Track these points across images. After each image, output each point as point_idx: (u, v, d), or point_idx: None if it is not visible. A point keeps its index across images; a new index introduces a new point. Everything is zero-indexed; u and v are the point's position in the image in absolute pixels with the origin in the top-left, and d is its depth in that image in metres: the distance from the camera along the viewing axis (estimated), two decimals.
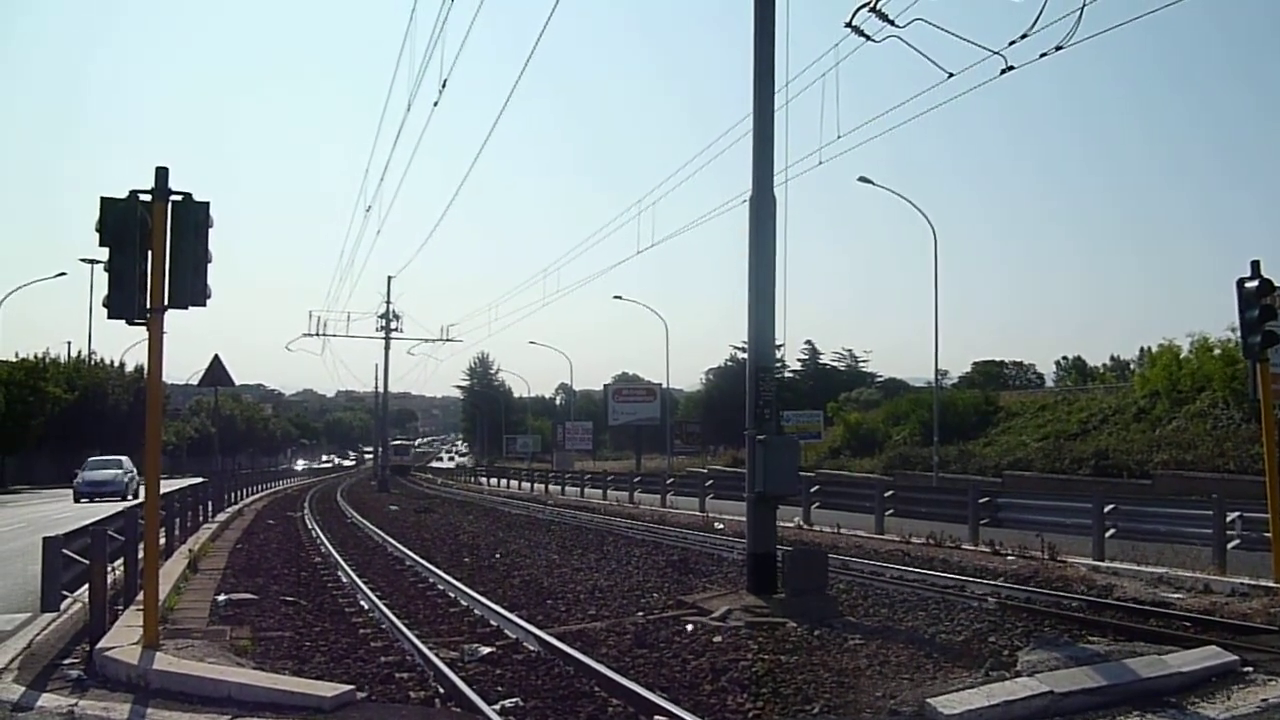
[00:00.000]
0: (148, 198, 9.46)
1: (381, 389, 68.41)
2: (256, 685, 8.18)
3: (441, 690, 8.69)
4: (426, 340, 64.25)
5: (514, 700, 8.32)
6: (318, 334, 57.79)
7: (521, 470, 65.88)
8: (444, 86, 17.83)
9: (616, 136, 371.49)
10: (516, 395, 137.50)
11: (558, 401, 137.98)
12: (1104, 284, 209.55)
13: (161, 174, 9.50)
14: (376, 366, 62.52)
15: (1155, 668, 8.55)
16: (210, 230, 9.68)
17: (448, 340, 62.82)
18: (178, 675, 8.48)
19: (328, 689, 8.06)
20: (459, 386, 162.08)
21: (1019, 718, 7.48)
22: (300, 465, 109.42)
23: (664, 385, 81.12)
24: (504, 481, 64.22)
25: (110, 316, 9.43)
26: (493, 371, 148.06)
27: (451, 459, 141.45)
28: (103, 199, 9.37)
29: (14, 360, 61.62)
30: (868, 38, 14.16)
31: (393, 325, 60.20)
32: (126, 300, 9.36)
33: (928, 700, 7.59)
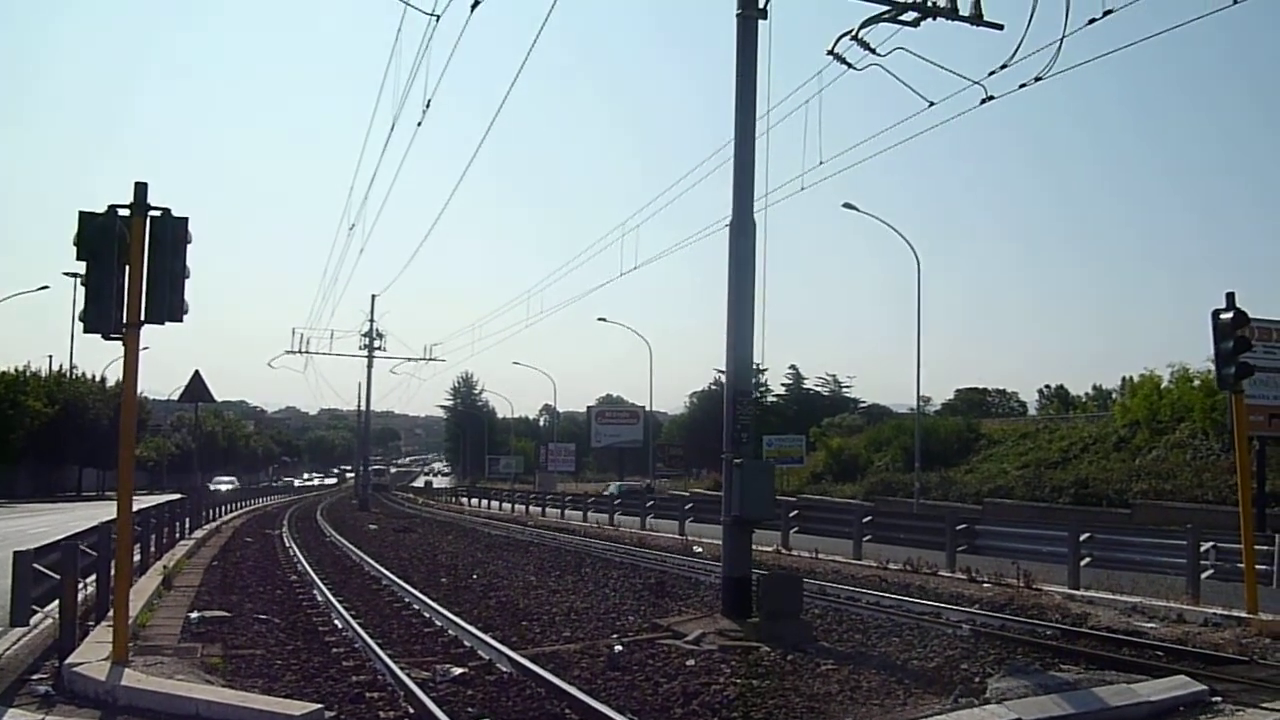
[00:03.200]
0: (126, 212, 9.45)
1: (364, 408, 67.97)
2: (224, 703, 8.13)
3: (412, 710, 8.65)
4: (409, 359, 64.14)
5: None
6: (300, 351, 57.63)
7: (503, 491, 65.65)
8: (428, 107, 17.89)
9: (601, 156, 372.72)
10: (500, 416, 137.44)
11: (541, 422, 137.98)
12: (1087, 315, 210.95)
13: (140, 189, 9.50)
14: (360, 385, 62.23)
15: (1124, 696, 8.57)
16: (189, 246, 9.69)
17: (430, 360, 62.77)
18: (145, 692, 8.43)
19: (296, 707, 8.02)
20: (442, 406, 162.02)
21: None
22: (285, 481, 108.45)
23: (647, 408, 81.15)
24: (485, 502, 64.00)
25: (86, 331, 9.41)
26: (476, 391, 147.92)
27: (428, 482, 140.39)
28: (81, 213, 9.37)
29: None
30: (850, 65, 14.29)
31: (376, 344, 60.07)
32: (103, 315, 9.34)
33: None
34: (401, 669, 10.01)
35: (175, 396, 48.45)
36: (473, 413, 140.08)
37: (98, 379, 74.58)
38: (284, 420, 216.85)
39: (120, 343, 9.52)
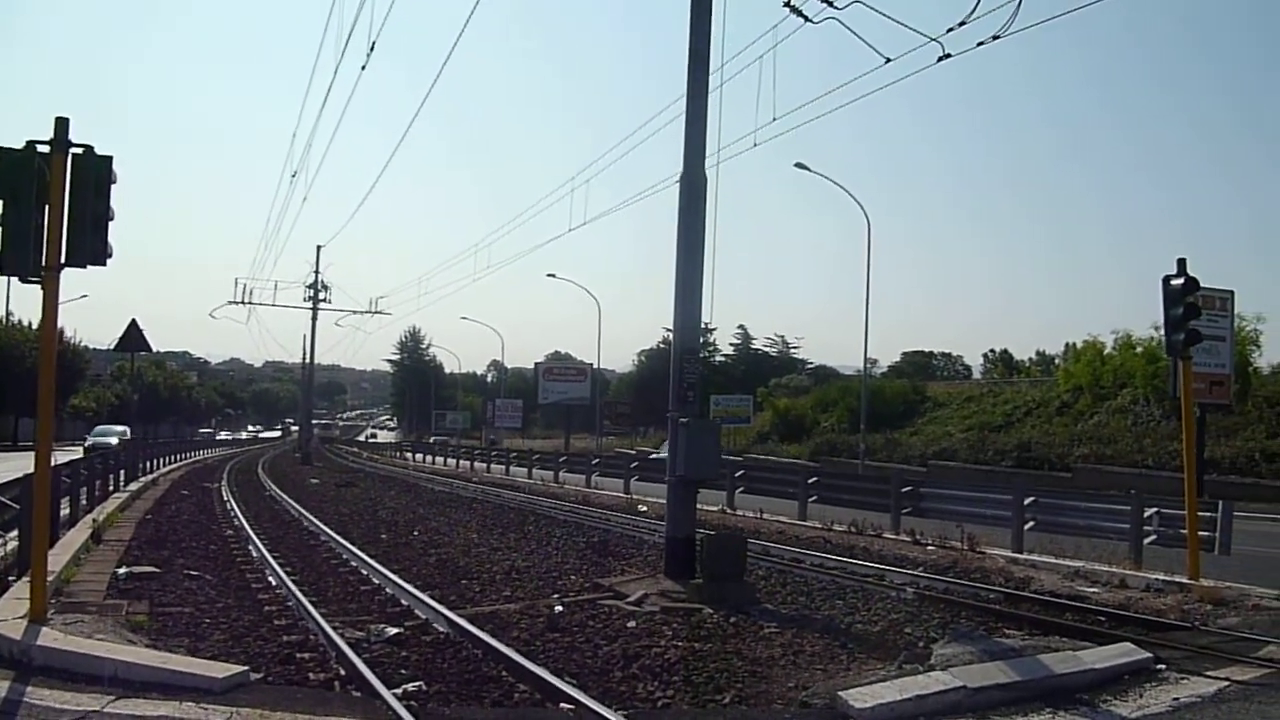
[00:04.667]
0: (46, 149, 8.96)
1: (308, 361, 67.06)
2: (144, 665, 7.78)
3: (343, 672, 8.38)
4: (355, 312, 63.22)
5: (417, 684, 8.05)
6: (243, 302, 56.60)
7: (448, 446, 65.22)
8: (372, 50, 17.35)
9: (553, 109, 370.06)
10: (448, 371, 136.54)
11: (489, 378, 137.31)
12: (1035, 279, 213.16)
13: (61, 125, 9.00)
14: (304, 338, 61.26)
15: (1069, 664, 8.48)
16: (113, 186, 9.23)
17: (376, 313, 61.95)
18: (62, 652, 8.06)
19: (219, 670, 7.71)
20: (389, 360, 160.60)
21: (931, 712, 7.34)
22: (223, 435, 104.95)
23: (595, 365, 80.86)
24: (430, 457, 63.56)
25: (3, 273, 8.97)
26: (423, 346, 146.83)
27: (374, 436, 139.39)
28: None
29: None
30: (806, 18, 13.98)
31: (321, 296, 59.10)
32: (21, 257, 8.85)
33: (839, 693, 7.44)
34: (335, 629, 9.74)
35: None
36: (419, 367, 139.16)
37: (34, 326, 72.92)
38: (228, 372, 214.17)
39: (40, 286, 9.05)
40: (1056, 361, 76.75)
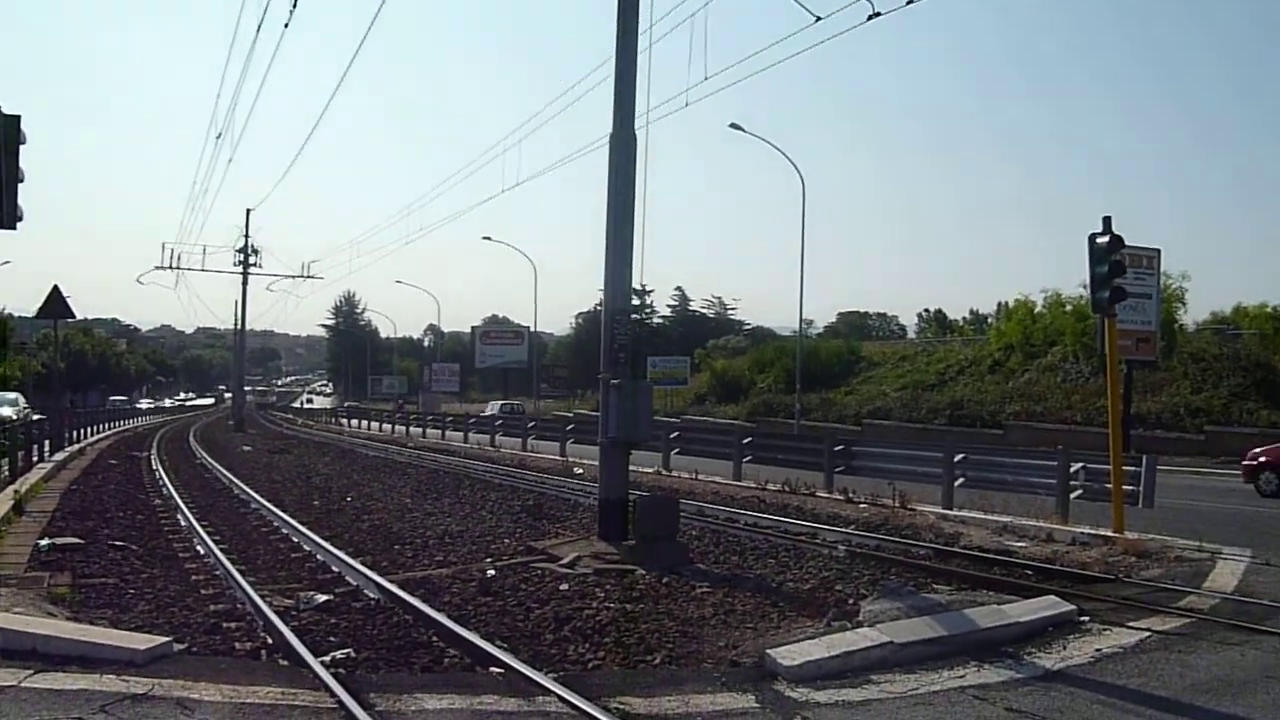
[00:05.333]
0: None
1: (239, 327, 66.05)
2: (63, 637, 7.61)
3: (270, 641, 8.27)
4: (286, 276, 62.30)
5: (346, 651, 7.97)
6: (171, 267, 55.50)
7: (383, 412, 64.76)
8: (295, 6, 16.94)
9: (484, 70, 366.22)
10: (384, 336, 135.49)
11: (426, 343, 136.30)
12: (965, 239, 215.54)
13: None
14: (235, 303, 60.40)
15: (994, 618, 8.60)
16: (22, 147, 8.96)
17: (309, 277, 61.11)
18: None
19: (141, 640, 7.56)
20: (324, 325, 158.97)
21: (858, 668, 7.40)
22: (145, 404, 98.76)
23: (532, 328, 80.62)
24: (365, 423, 63.06)
25: None
26: (359, 311, 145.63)
27: (310, 402, 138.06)
28: None
29: None
30: None
31: (251, 260, 58.10)
32: None
33: (768, 651, 7.48)
34: (263, 598, 9.62)
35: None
36: (355, 332, 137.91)
37: None
38: (158, 339, 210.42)
39: None
40: (989, 321, 77.88)
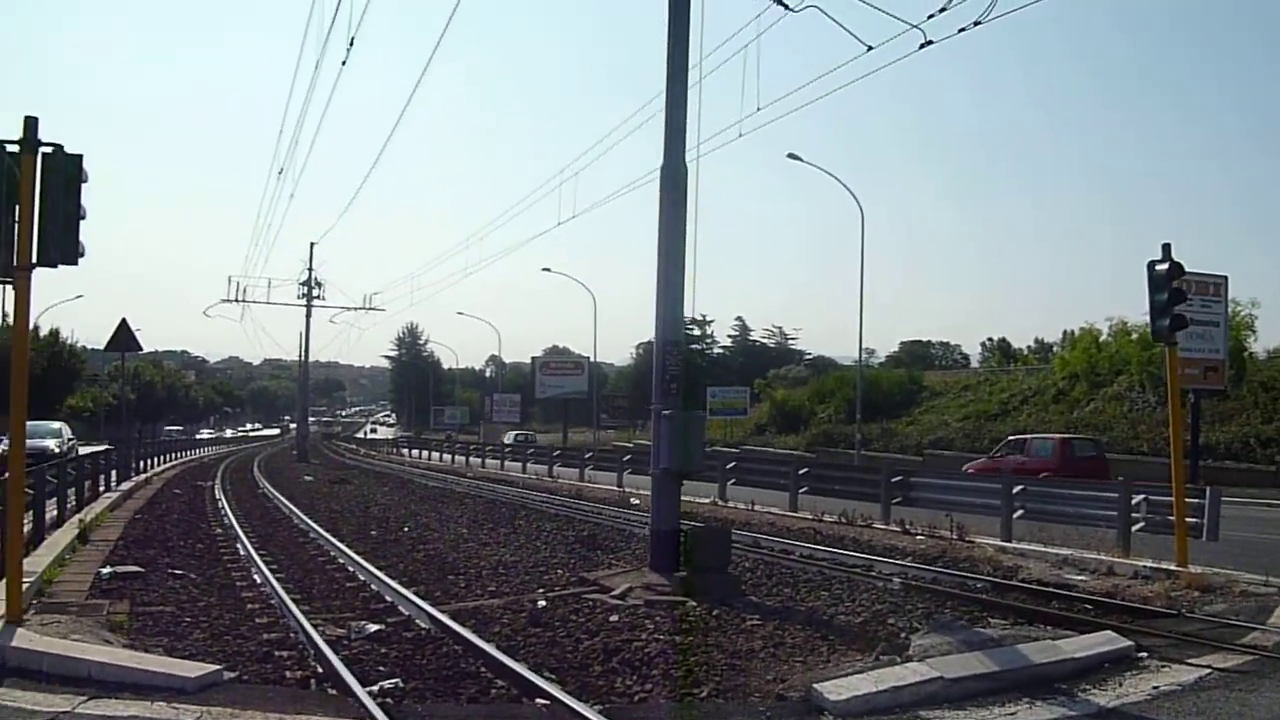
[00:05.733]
0: (16, 149, 8.91)
1: (303, 358, 66.92)
2: (118, 664, 7.76)
3: (320, 670, 8.34)
4: (349, 309, 63.00)
5: (394, 681, 8.01)
6: (237, 300, 56.36)
7: (443, 442, 65.29)
8: (351, 45, 17.27)
9: (539, 104, 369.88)
10: (446, 366, 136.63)
11: (487, 373, 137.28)
12: (1033, 266, 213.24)
13: (30, 124, 8.96)
14: (300, 335, 61.30)
15: (1048, 653, 8.45)
16: (84, 185, 9.17)
17: (370, 309, 61.64)
18: (36, 653, 8.03)
19: (192, 669, 7.68)
20: (387, 356, 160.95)
21: (907, 703, 7.30)
22: (205, 434, 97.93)
23: (592, 359, 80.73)
24: (425, 453, 63.58)
25: None
26: (421, 342, 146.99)
27: (374, 431, 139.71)
28: None
29: None
30: (787, 7, 13.91)
31: (315, 293, 58.89)
32: None
33: (814, 685, 7.41)
34: (315, 627, 9.70)
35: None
36: (418, 363, 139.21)
37: (31, 327, 72.86)
38: (226, 370, 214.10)
39: (11, 286, 9.02)
40: (1055, 349, 76.78)
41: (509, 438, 66.61)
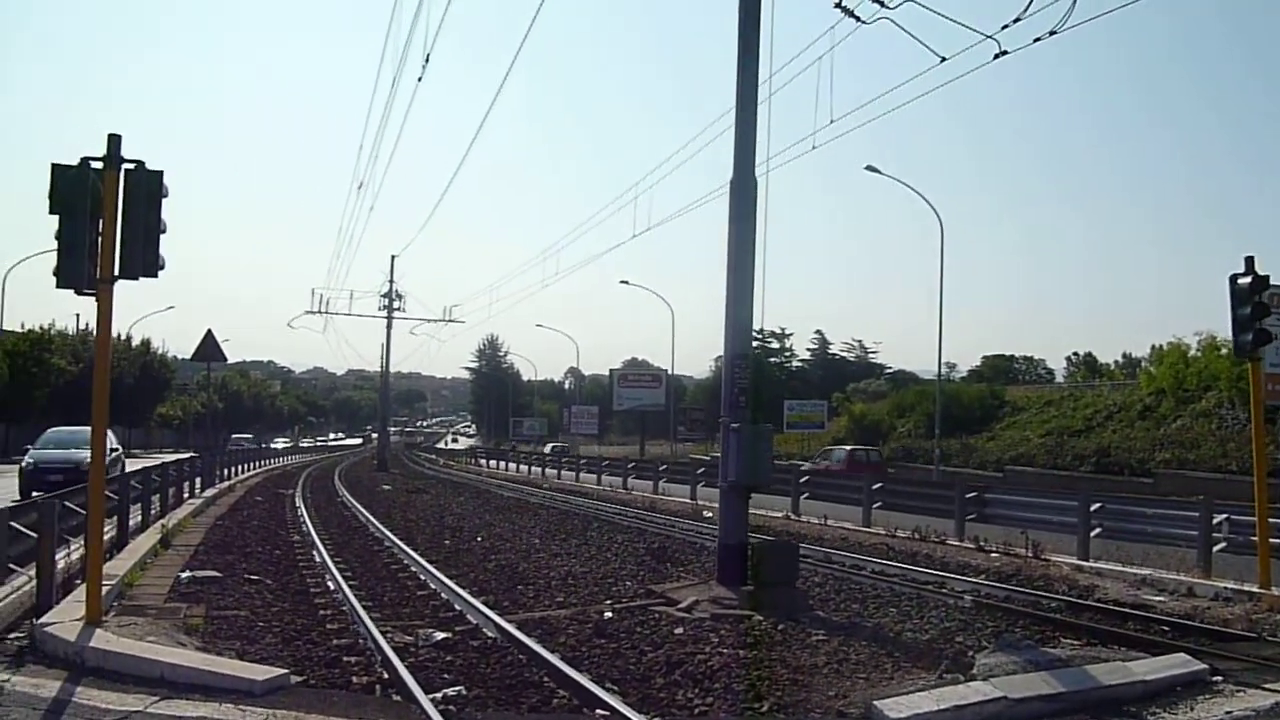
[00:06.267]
0: (99, 165, 9.21)
1: (384, 369, 67.94)
2: (189, 666, 7.96)
3: (386, 676, 8.47)
4: (429, 320, 63.95)
5: (457, 689, 8.10)
6: (320, 312, 57.46)
7: (521, 453, 65.86)
8: (427, 62, 17.55)
9: (614, 119, 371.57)
10: (525, 378, 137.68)
11: (566, 385, 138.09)
12: (1122, 278, 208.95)
13: (114, 141, 9.26)
14: (381, 346, 62.16)
15: (1118, 675, 8.27)
16: (165, 200, 9.45)
17: (450, 321, 62.53)
18: (113, 654, 8.27)
19: (260, 672, 7.84)
20: (467, 368, 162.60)
21: None
22: (280, 443, 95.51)
23: (670, 371, 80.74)
24: (502, 464, 64.11)
25: (59, 286, 9.18)
26: (501, 354, 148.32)
27: (455, 441, 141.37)
28: (54, 166, 9.12)
29: (19, 331, 61.57)
30: (859, 20, 13.86)
31: (395, 305, 59.79)
32: (76, 269, 9.12)
33: (874, 702, 7.34)
34: (383, 633, 9.83)
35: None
36: (498, 375, 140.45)
37: (122, 337, 74.90)
38: (310, 381, 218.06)
39: (94, 298, 9.30)
40: (1143, 364, 75.17)
41: (547, 449, 72.78)
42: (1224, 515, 14.91)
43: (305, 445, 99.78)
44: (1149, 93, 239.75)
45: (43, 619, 9.30)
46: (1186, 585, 13.55)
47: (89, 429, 26.55)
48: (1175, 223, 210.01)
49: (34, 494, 20.90)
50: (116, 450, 26.00)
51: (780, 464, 34.69)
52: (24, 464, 25.27)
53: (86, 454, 23.87)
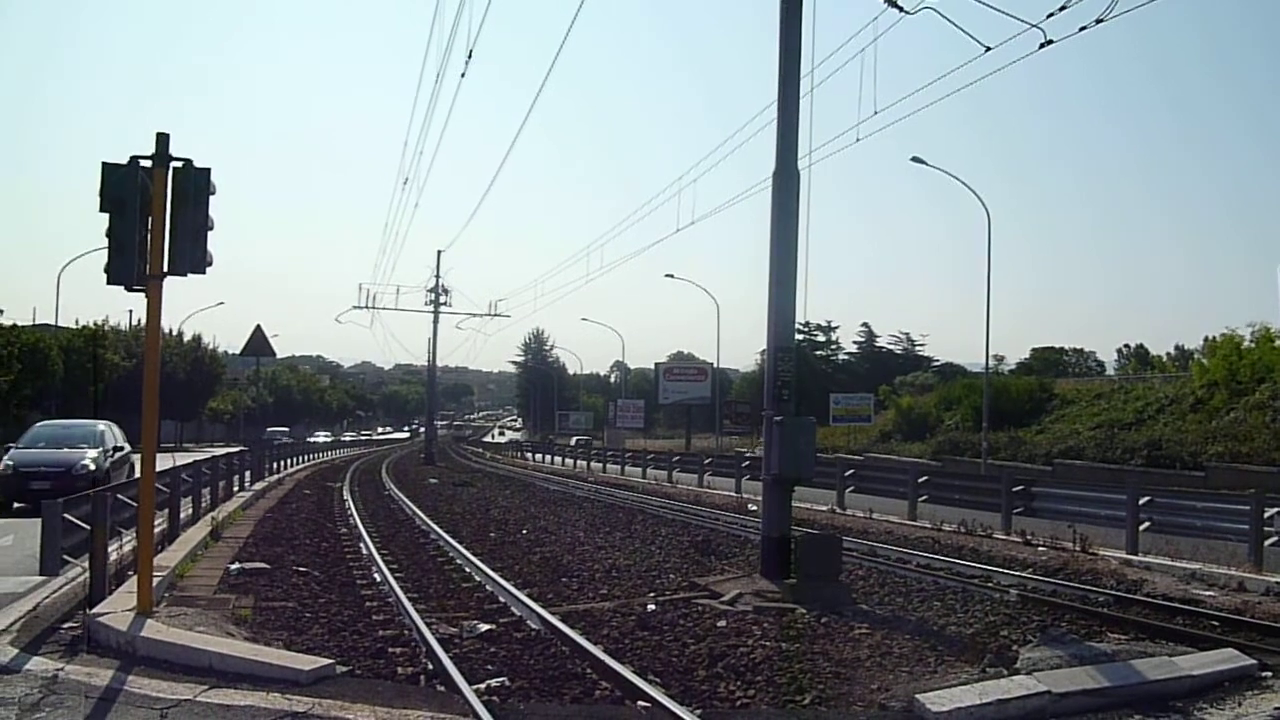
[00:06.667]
0: (148, 163, 9.37)
1: (431, 363, 68.35)
2: (237, 656, 8.10)
3: (430, 667, 8.56)
4: (474, 315, 64.22)
5: (500, 680, 8.18)
6: (367, 306, 57.87)
7: (566, 446, 66.11)
8: (469, 58, 17.67)
9: (658, 114, 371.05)
10: (571, 372, 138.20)
11: (612, 379, 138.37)
12: (1173, 269, 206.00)
13: (162, 140, 9.41)
14: (428, 340, 62.71)
15: (1163, 670, 8.19)
16: (212, 197, 9.59)
17: (495, 315, 62.65)
18: (163, 643, 8.44)
19: (306, 662, 7.96)
20: (513, 362, 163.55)
21: (1012, 717, 7.18)
22: (322, 437, 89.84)
23: (715, 365, 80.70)
24: (548, 457, 64.35)
25: (110, 282, 9.36)
26: (547, 348, 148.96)
27: (502, 434, 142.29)
28: (104, 165, 9.29)
29: (74, 328, 62.70)
30: (901, 9, 13.79)
31: (442, 300, 60.08)
32: (126, 266, 9.29)
33: (917, 696, 7.32)
34: (428, 625, 9.93)
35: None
36: (543, 369, 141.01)
37: (173, 333, 75.99)
38: (358, 375, 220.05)
39: (144, 294, 9.47)
40: (1196, 356, 74.12)
41: (573, 441, 78.40)
42: (1276, 509, 14.69)
43: (347, 440, 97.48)
44: (1220, 78, 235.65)
45: (96, 609, 9.50)
46: (1237, 580, 13.36)
47: (87, 422, 24.49)
48: (1248, 214, 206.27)
49: (15, 505, 19.91)
50: (123, 449, 23.66)
51: (824, 456, 34.51)
52: (2, 467, 21.25)
53: (83, 454, 21.79)
